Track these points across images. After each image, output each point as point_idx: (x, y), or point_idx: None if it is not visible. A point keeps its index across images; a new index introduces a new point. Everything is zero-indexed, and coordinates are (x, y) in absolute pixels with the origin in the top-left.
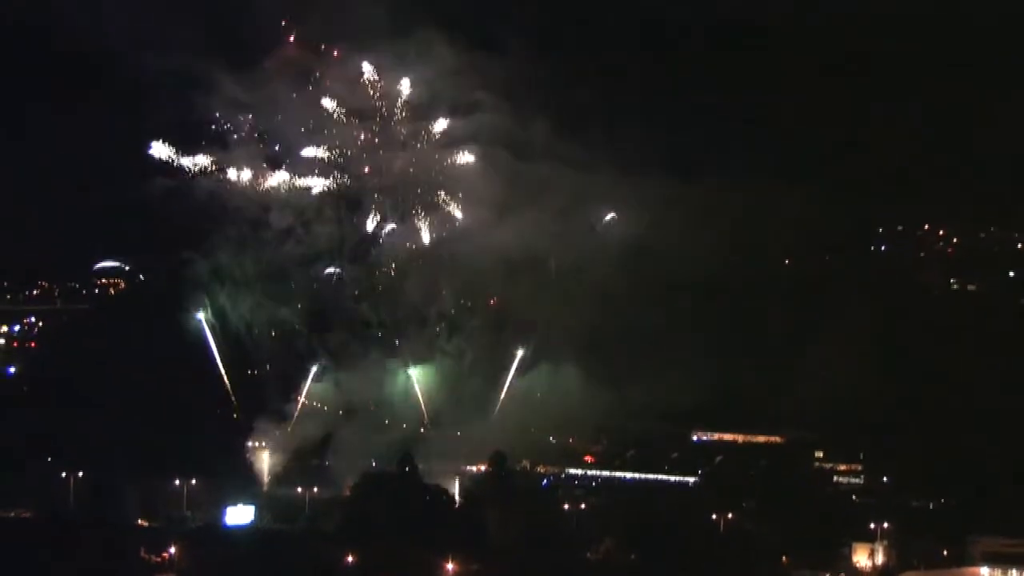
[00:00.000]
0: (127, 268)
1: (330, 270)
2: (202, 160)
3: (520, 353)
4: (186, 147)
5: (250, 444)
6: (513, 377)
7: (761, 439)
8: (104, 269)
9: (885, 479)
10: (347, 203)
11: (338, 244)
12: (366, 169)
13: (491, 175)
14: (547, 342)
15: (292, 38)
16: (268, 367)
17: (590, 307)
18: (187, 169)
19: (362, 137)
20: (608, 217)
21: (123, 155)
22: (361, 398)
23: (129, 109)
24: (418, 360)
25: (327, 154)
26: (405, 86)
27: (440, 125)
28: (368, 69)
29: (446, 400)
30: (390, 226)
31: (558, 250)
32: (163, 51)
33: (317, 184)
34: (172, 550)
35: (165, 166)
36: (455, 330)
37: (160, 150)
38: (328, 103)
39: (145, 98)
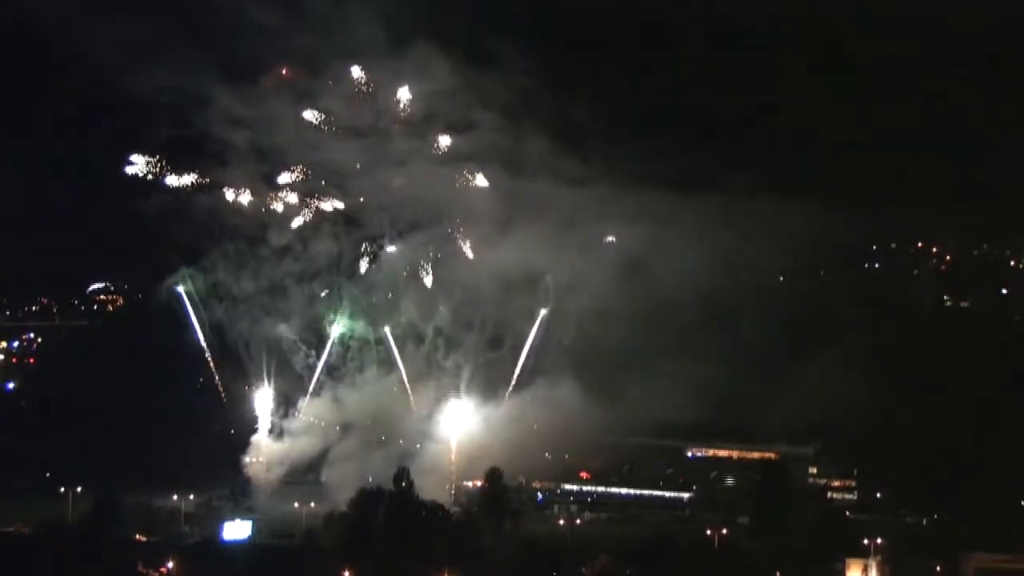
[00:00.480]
0: (125, 287)
1: (325, 294)
2: (189, 178)
3: (543, 312)
4: (182, 163)
5: (248, 460)
6: (538, 325)
7: (756, 455)
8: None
9: (879, 495)
10: (345, 220)
11: (336, 261)
12: (365, 186)
13: (489, 191)
14: (544, 358)
15: (288, 58)
16: (266, 382)
17: (587, 323)
18: (184, 186)
19: (359, 162)
20: (607, 240)
21: (121, 172)
22: (358, 414)
23: (128, 126)
24: (416, 376)
25: (319, 172)
26: (403, 97)
27: (443, 141)
28: (357, 73)
29: (442, 415)
30: (387, 243)
31: (556, 267)
32: (164, 69)
33: (317, 202)
34: (170, 565)
35: (154, 182)
36: (453, 346)
37: (140, 165)
38: (326, 118)
39: (142, 115)
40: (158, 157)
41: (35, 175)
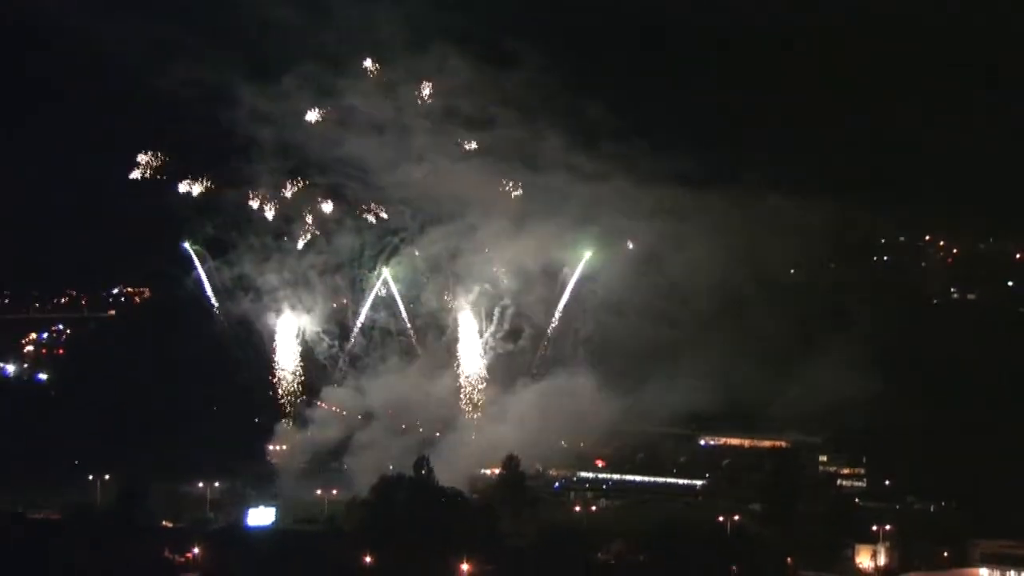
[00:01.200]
0: (152, 279)
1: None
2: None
3: (587, 255)
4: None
5: (271, 448)
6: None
7: (767, 443)
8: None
9: (887, 482)
10: (368, 214)
11: (358, 254)
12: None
13: (508, 186)
14: (562, 348)
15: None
16: (290, 372)
17: (603, 316)
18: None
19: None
20: (622, 234)
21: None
22: (380, 403)
23: (156, 121)
24: (437, 365)
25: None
26: (425, 94)
27: (464, 138)
28: (372, 66)
29: (464, 404)
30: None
31: (573, 260)
32: (186, 66)
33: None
34: (196, 550)
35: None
36: (474, 337)
37: (145, 167)
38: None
39: (172, 111)
40: (176, 155)
41: (61, 170)
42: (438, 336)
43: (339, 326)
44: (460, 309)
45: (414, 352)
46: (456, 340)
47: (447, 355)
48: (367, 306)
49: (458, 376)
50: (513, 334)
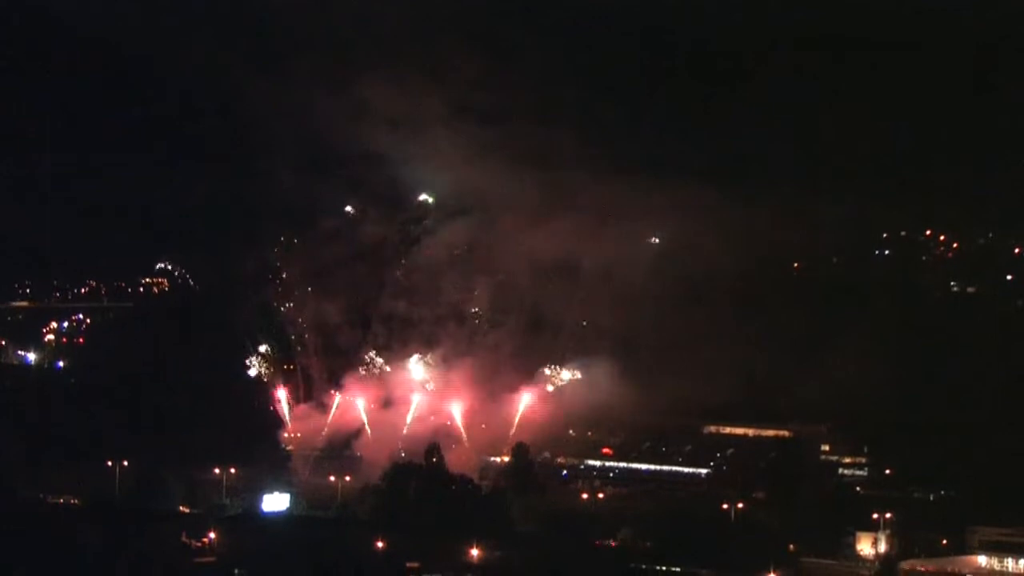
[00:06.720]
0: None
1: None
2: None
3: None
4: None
5: (287, 435)
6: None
7: (770, 432)
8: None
9: (888, 471)
10: (389, 205)
11: (380, 244)
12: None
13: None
14: (576, 341)
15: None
16: (309, 360)
17: (616, 307)
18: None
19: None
20: (635, 229)
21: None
22: (398, 390)
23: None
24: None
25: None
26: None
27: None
28: None
29: (479, 393)
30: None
31: (589, 254)
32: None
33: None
34: (212, 535)
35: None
36: (491, 327)
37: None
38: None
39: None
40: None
41: (81, 164)
42: (458, 326)
43: (360, 315)
44: (479, 299)
45: (433, 341)
46: (474, 330)
47: (466, 345)
48: (388, 295)
49: (474, 365)
50: (531, 325)
